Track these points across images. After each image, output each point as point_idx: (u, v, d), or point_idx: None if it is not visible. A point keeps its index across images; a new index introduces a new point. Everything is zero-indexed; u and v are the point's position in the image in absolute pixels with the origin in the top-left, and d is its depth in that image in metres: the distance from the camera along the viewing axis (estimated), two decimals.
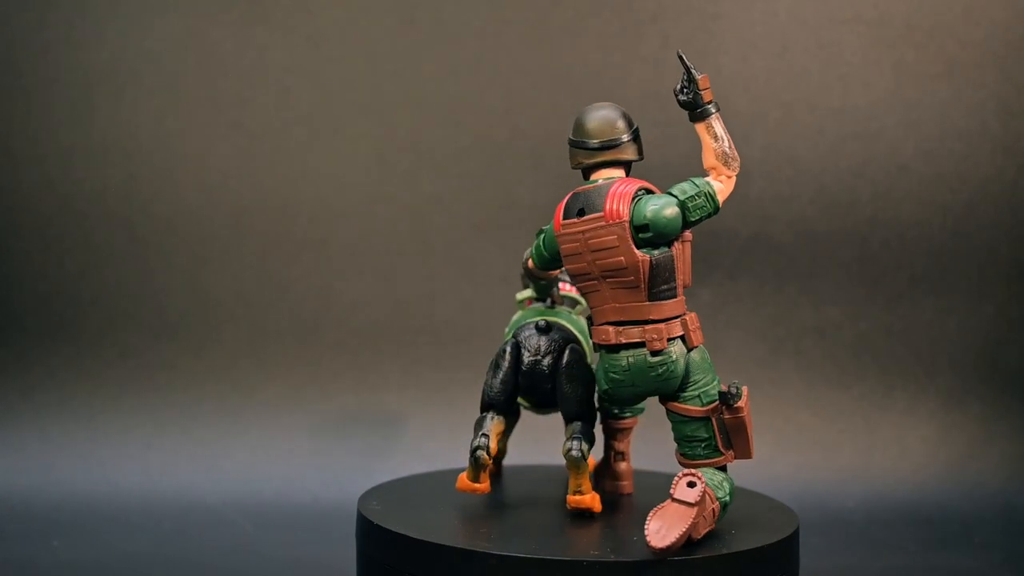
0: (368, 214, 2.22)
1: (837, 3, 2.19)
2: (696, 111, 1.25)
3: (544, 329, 1.33)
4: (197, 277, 2.20)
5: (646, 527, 1.17)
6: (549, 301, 1.48)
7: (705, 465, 1.27)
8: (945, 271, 2.18)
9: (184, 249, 2.21)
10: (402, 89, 2.21)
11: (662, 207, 1.23)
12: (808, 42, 2.19)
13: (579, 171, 1.31)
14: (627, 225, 1.23)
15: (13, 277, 2.19)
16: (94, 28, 2.19)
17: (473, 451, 1.29)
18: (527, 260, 1.40)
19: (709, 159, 1.26)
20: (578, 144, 1.29)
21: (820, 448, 2.11)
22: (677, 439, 1.28)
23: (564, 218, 1.27)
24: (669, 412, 1.28)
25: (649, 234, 1.23)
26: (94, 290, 2.19)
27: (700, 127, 1.26)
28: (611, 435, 1.49)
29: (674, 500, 1.19)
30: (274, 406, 2.16)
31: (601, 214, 1.24)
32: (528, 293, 1.49)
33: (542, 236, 1.34)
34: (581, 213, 1.25)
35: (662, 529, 1.17)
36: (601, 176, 1.29)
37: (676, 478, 1.20)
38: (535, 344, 1.33)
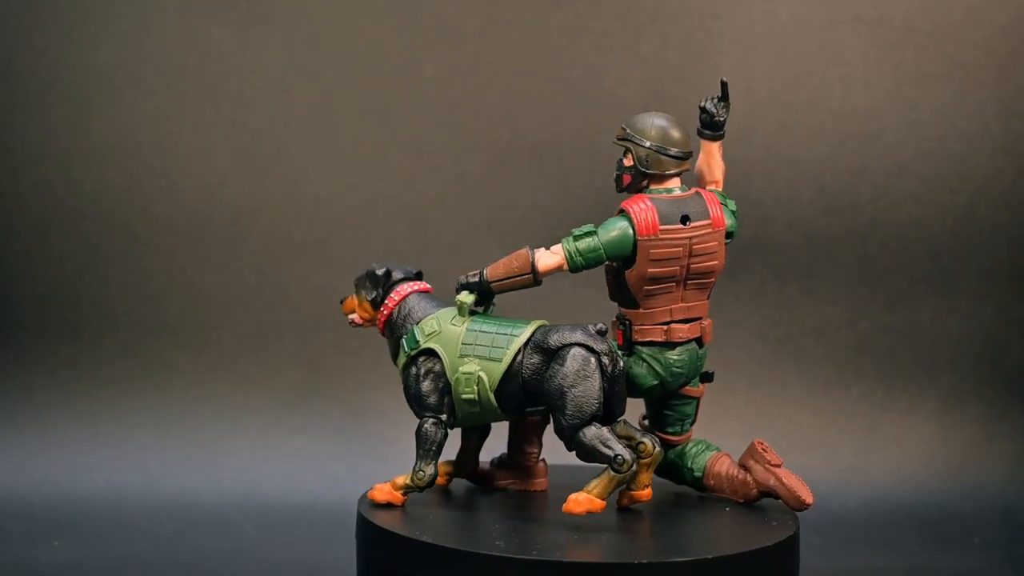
0: (368, 214, 2.22)
1: (837, 3, 2.18)
2: (720, 131, 1.37)
3: (605, 332, 1.29)
4: (197, 277, 2.20)
5: (793, 492, 1.30)
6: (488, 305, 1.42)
7: (686, 440, 1.40)
8: (945, 271, 2.18)
9: (184, 249, 2.20)
10: (402, 89, 2.21)
11: (733, 216, 1.36)
12: (808, 42, 2.19)
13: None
14: (723, 232, 1.34)
15: (13, 277, 2.18)
16: (94, 28, 2.19)
17: (633, 462, 1.25)
18: (536, 261, 1.32)
19: (715, 174, 1.38)
20: (671, 154, 1.32)
21: (820, 448, 2.11)
22: (671, 421, 1.39)
23: (662, 224, 1.30)
24: (677, 396, 1.37)
25: (730, 240, 1.35)
26: (94, 290, 2.19)
27: (714, 146, 1.38)
28: (531, 432, 1.43)
29: (773, 467, 1.33)
30: (274, 406, 2.16)
31: (709, 221, 1.32)
32: (475, 297, 1.40)
33: (594, 239, 1.30)
34: (686, 220, 1.31)
35: (797, 490, 1.31)
36: (665, 185, 1.33)
37: (760, 451, 1.34)
38: (607, 349, 1.28)
